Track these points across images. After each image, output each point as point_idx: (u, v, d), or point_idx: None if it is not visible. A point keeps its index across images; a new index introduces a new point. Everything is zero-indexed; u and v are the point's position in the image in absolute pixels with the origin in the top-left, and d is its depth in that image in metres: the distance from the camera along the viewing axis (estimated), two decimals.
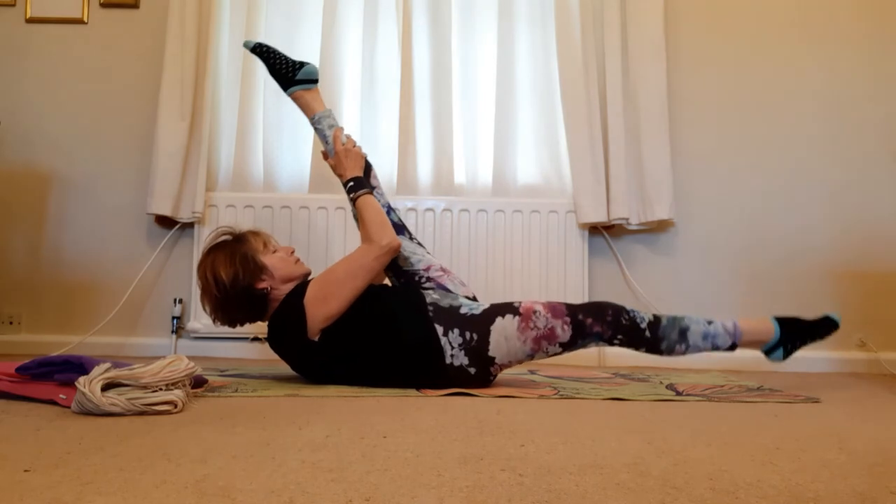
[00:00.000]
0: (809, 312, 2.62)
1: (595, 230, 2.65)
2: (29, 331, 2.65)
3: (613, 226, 2.64)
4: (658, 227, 2.66)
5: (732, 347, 1.84)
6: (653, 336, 1.76)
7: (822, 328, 1.91)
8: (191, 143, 2.58)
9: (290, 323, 1.72)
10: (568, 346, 1.75)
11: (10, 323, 2.64)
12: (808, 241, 2.67)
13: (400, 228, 1.99)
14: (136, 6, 2.76)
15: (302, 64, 2.03)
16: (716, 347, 1.82)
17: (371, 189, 1.92)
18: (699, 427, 1.27)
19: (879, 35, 2.72)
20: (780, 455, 1.05)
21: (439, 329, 1.71)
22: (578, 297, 2.57)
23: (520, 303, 1.77)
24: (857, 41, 2.72)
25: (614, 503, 0.78)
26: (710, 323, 1.82)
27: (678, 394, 1.73)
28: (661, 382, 1.97)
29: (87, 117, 2.72)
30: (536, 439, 1.13)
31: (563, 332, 1.72)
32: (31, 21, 2.74)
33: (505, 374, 2.07)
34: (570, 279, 2.58)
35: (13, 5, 2.75)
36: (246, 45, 2.08)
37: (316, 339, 1.71)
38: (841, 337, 2.62)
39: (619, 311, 1.75)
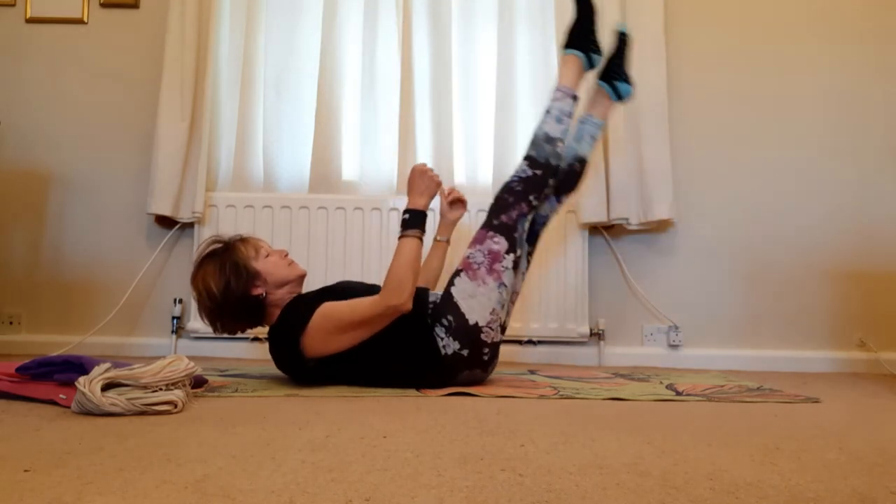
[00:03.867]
0: (811, 314, 2.63)
1: (595, 230, 2.65)
2: (29, 331, 2.65)
3: (613, 226, 2.64)
4: (658, 227, 2.66)
5: (575, 98, 2.00)
6: (540, 167, 1.90)
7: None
8: (191, 143, 2.58)
9: (288, 349, 1.69)
10: (513, 247, 1.81)
11: (10, 323, 2.64)
12: (809, 241, 2.67)
13: (533, 238, 1.99)
14: (136, 6, 2.76)
15: (628, 80, 2.09)
16: (570, 115, 1.98)
17: (419, 234, 1.73)
18: (699, 427, 1.27)
19: (881, 34, 2.71)
20: (780, 455, 1.05)
21: (430, 325, 1.73)
22: (579, 297, 2.57)
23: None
24: (859, 40, 2.72)
25: (614, 503, 0.78)
26: (548, 112, 1.97)
27: (678, 394, 1.73)
28: (661, 382, 1.97)
29: (87, 117, 2.72)
30: (536, 439, 1.13)
31: (499, 243, 1.80)
32: (31, 21, 2.74)
33: (505, 374, 2.07)
34: (570, 279, 2.58)
35: (13, 5, 2.75)
36: (619, 26, 2.15)
37: (312, 364, 1.70)
38: (841, 337, 2.63)
39: (508, 188, 1.88)
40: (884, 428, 1.33)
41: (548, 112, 1.97)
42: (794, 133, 2.70)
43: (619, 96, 2.10)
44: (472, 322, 1.72)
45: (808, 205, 2.68)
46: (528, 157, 1.92)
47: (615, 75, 2.09)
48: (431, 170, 1.84)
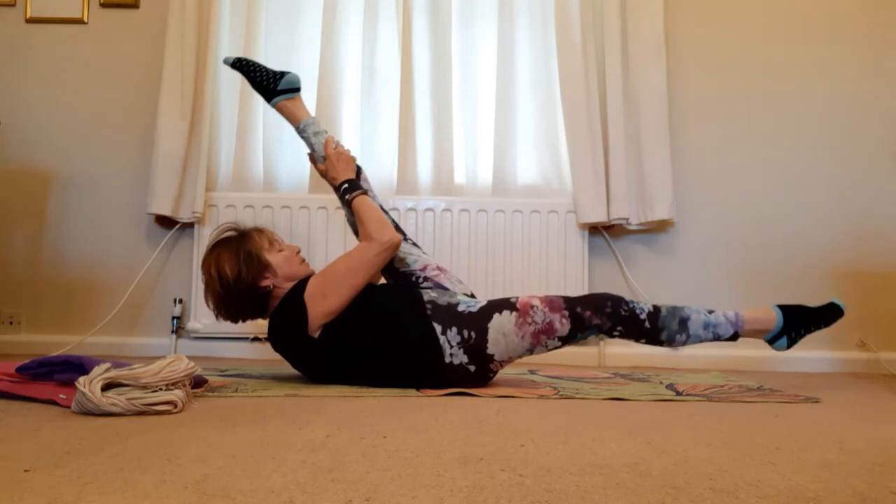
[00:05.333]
0: None
1: (595, 230, 2.65)
2: (29, 331, 2.65)
3: (613, 226, 2.64)
4: (658, 227, 2.66)
5: (734, 337, 1.82)
6: (652, 327, 1.76)
7: (826, 315, 1.87)
8: (191, 143, 2.58)
9: (291, 319, 1.72)
10: (567, 340, 1.75)
11: (10, 323, 2.64)
12: (809, 241, 2.67)
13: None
14: (136, 6, 2.76)
15: (283, 74, 2.01)
16: (717, 337, 1.81)
17: (364, 190, 1.91)
18: (699, 427, 1.27)
19: (881, 34, 2.72)
20: (780, 455, 1.05)
21: (438, 328, 1.71)
22: None
23: (517, 298, 1.77)
24: (858, 41, 2.72)
25: (614, 503, 0.78)
26: (710, 312, 1.81)
27: (678, 394, 1.73)
28: (661, 382, 1.97)
29: (87, 117, 2.72)
30: (536, 439, 1.13)
31: (562, 325, 1.73)
32: (31, 21, 2.74)
33: (505, 374, 2.08)
34: (570, 279, 2.58)
35: (13, 5, 2.75)
36: (225, 61, 2.06)
37: (316, 335, 1.71)
38: (841, 337, 2.63)
39: (617, 302, 1.76)
40: (884, 428, 1.33)
41: (710, 313, 1.81)
42: (794, 133, 2.70)
43: (296, 89, 2.01)
44: (489, 352, 1.72)
45: (808, 204, 2.68)
46: (656, 308, 1.78)
47: (272, 85, 1.99)
48: (341, 145, 1.97)
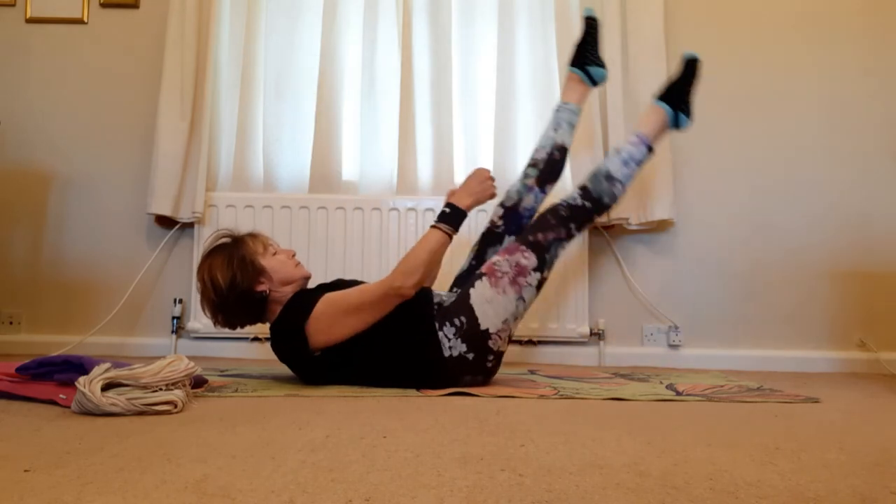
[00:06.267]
0: (811, 314, 2.63)
1: (595, 230, 2.65)
2: (29, 331, 2.65)
3: (613, 226, 2.64)
4: (658, 227, 2.66)
5: (650, 150, 2.03)
6: (591, 201, 1.91)
7: (689, 73, 2.12)
8: (191, 143, 2.58)
9: (291, 340, 1.70)
10: (541, 267, 1.82)
11: (10, 323, 2.64)
12: (808, 241, 2.67)
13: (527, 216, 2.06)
14: (136, 6, 2.76)
15: (600, 64, 2.18)
16: (639, 162, 1.99)
17: (448, 233, 1.75)
18: (699, 427, 1.27)
19: (879, 34, 2.71)
20: (780, 455, 1.05)
21: (436, 325, 1.73)
22: (579, 296, 2.57)
23: (481, 269, 1.83)
24: (857, 41, 2.72)
25: (614, 503, 0.78)
26: (618, 151, 2.00)
27: (678, 394, 1.73)
28: (661, 382, 1.97)
29: (87, 117, 2.72)
30: (536, 439, 1.13)
31: (528, 259, 1.80)
32: (31, 21, 2.74)
33: (505, 375, 2.08)
34: (571, 279, 2.58)
35: (13, 5, 2.75)
36: (586, 11, 2.26)
37: (317, 354, 1.71)
38: (841, 337, 2.63)
39: (554, 210, 1.89)
40: (884, 428, 1.33)
41: (617, 152, 1.99)
42: (795, 132, 2.70)
43: (594, 81, 2.18)
44: (483, 327, 1.73)
45: (807, 204, 2.68)
46: (582, 188, 1.93)
47: (587, 60, 2.17)
48: (493, 180, 1.87)
